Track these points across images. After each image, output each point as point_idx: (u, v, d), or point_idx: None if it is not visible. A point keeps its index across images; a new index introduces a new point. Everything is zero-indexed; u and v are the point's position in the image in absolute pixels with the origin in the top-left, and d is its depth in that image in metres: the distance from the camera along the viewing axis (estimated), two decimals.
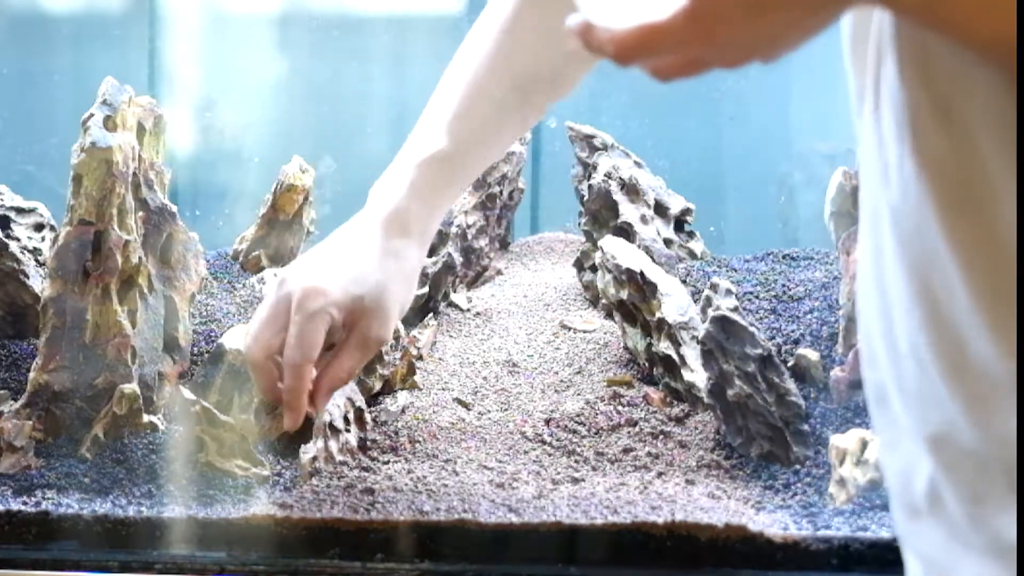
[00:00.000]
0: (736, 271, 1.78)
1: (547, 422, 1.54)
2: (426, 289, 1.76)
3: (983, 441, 0.88)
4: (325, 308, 1.32)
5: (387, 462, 1.47)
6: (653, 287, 1.61)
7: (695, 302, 1.61)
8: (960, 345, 0.88)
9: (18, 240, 1.74)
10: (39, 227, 1.79)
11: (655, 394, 1.58)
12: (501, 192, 1.91)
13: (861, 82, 0.97)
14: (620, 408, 1.56)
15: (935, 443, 0.90)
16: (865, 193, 0.99)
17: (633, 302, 1.63)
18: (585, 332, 1.73)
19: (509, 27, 1.40)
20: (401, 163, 1.41)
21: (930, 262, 0.88)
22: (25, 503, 1.36)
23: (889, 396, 0.95)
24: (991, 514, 0.88)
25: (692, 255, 1.85)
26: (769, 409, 1.45)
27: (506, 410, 1.57)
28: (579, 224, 1.87)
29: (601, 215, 1.82)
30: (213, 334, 1.64)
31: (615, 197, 1.81)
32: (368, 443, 1.50)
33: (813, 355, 1.54)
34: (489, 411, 1.57)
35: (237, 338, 1.50)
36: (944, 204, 0.88)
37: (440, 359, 1.69)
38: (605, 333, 1.72)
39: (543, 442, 1.51)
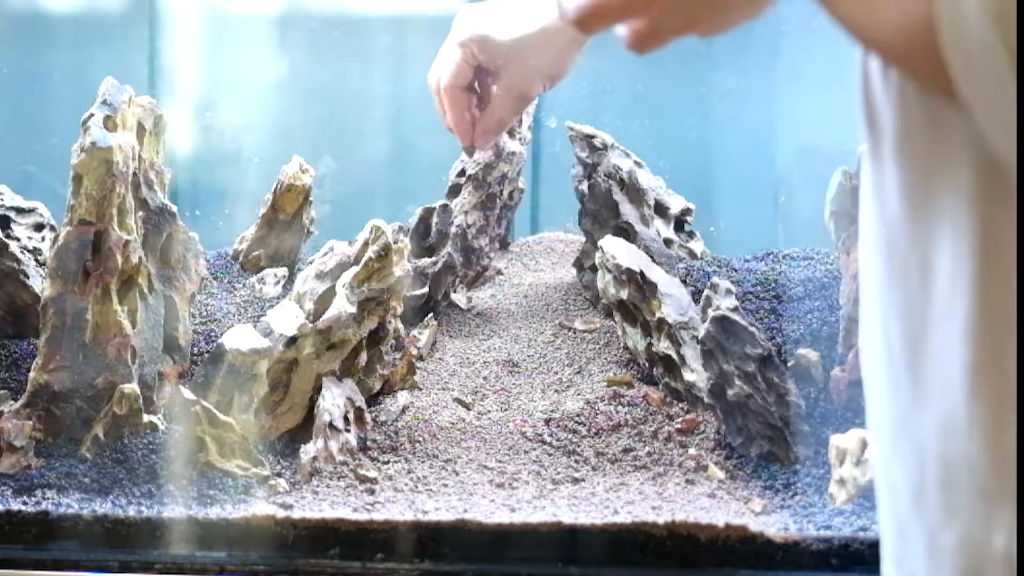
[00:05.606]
0: (736, 271, 1.78)
1: (547, 422, 1.54)
2: (426, 289, 1.76)
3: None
4: (468, 41, 1.49)
5: (387, 462, 1.47)
6: (653, 287, 1.61)
7: (695, 302, 1.61)
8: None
9: (18, 240, 1.74)
10: (39, 227, 1.79)
11: (655, 394, 1.58)
12: (501, 192, 1.91)
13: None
14: (620, 408, 1.56)
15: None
16: (863, 174, 0.99)
17: (633, 302, 1.63)
18: (585, 332, 1.73)
19: None
20: None
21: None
22: (25, 503, 1.36)
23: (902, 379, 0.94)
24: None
25: (692, 255, 1.85)
26: (769, 409, 1.45)
27: (506, 410, 1.57)
28: (579, 224, 1.87)
29: (601, 215, 1.82)
30: (213, 334, 1.64)
31: (615, 197, 1.81)
32: (368, 443, 1.50)
33: (813, 355, 1.54)
34: (489, 411, 1.57)
35: (237, 338, 1.50)
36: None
37: (440, 359, 1.69)
38: (605, 333, 1.72)
39: (543, 442, 1.51)
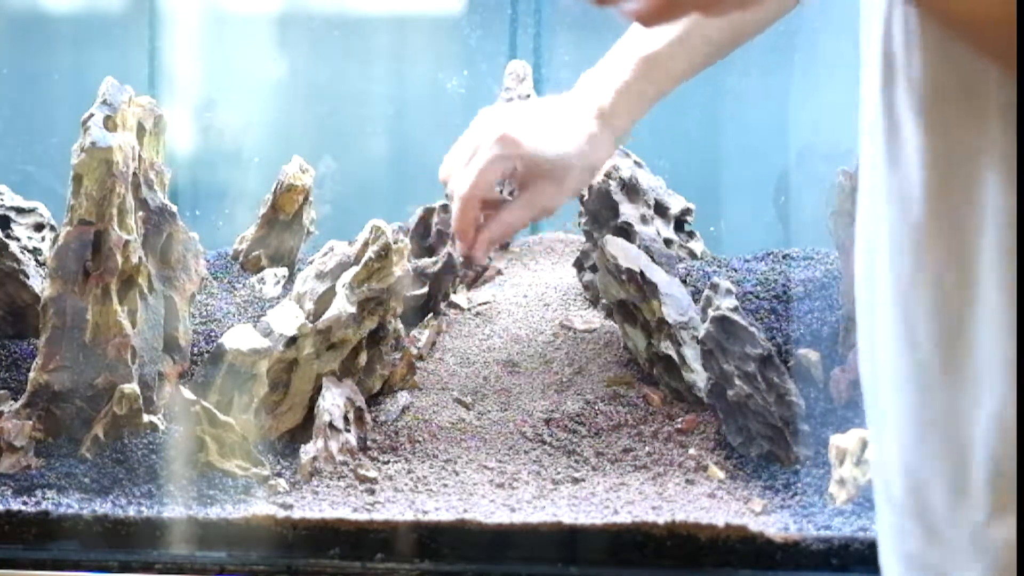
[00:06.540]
0: (736, 271, 1.78)
1: (547, 422, 1.54)
2: (426, 289, 1.76)
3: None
4: (509, 155, 1.42)
5: (387, 462, 1.47)
6: (653, 287, 1.61)
7: (695, 302, 1.61)
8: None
9: (18, 240, 1.74)
10: (39, 227, 1.79)
11: (655, 394, 1.58)
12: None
13: (867, 57, 0.98)
14: (620, 408, 1.56)
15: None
16: (866, 177, 0.98)
17: (633, 302, 1.63)
18: (585, 332, 1.73)
19: None
20: (618, 57, 1.49)
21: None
22: (25, 503, 1.36)
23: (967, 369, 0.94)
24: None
25: (692, 255, 1.85)
26: (769, 409, 1.45)
27: (506, 410, 1.57)
28: (579, 224, 1.87)
29: (601, 215, 1.82)
30: (213, 334, 1.64)
31: (615, 197, 1.81)
32: (368, 443, 1.50)
33: (813, 355, 1.54)
34: (489, 411, 1.57)
35: (237, 338, 1.50)
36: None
37: (440, 359, 1.69)
38: (605, 333, 1.72)
39: (543, 442, 1.51)
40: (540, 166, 1.44)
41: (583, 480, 1.44)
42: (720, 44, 1.51)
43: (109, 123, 1.48)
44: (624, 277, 1.63)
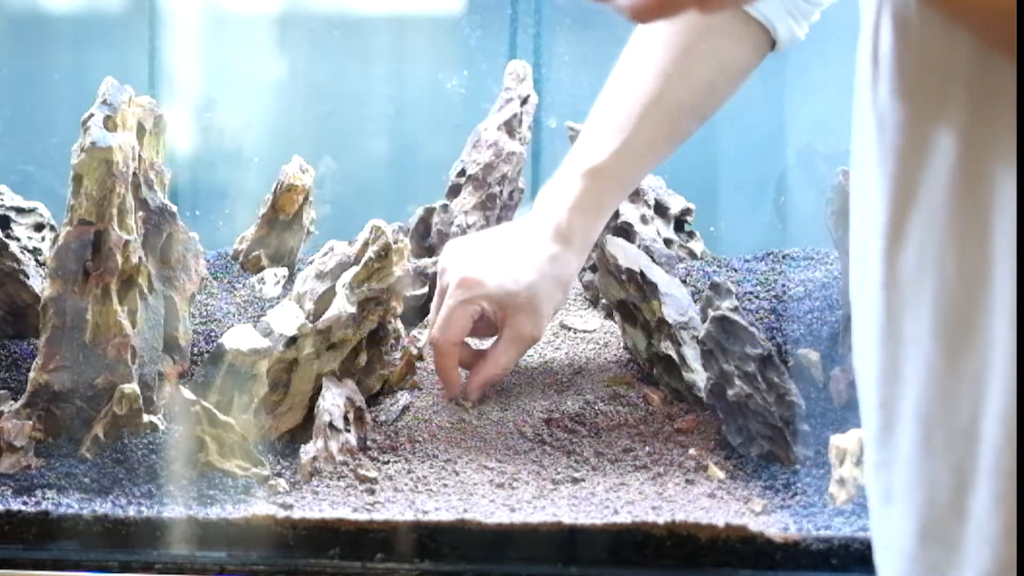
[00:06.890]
0: (736, 271, 1.78)
1: (547, 422, 1.54)
2: (426, 289, 1.76)
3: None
4: (476, 298, 1.45)
5: (387, 462, 1.47)
6: (653, 287, 1.61)
7: (695, 302, 1.61)
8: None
9: (18, 240, 1.74)
10: (39, 227, 1.79)
11: (655, 394, 1.58)
12: (501, 192, 1.91)
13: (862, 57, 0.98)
14: (620, 408, 1.56)
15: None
16: (857, 176, 0.98)
17: (633, 302, 1.63)
18: (585, 332, 1.73)
19: (682, 54, 1.45)
20: (567, 172, 1.49)
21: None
22: (25, 503, 1.36)
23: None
24: None
25: (692, 255, 1.85)
26: (769, 409, 1.45)
27: (506, 410, 1.57)
28: None
29: None
30: (213, 334, 1.64)
31: None
32: (368, 443, 1.50)
33: (813, 355, 1.54)
34: (489, 411, 1.57)
35: (237, 338, 1.50)
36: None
37: None
38: (605, 333, 1.72)
39: (543, 442, 1.51)
40: (510, 301, 1.48)
41: (583, 480, 1.44)
42: (693, 109, 1.51)
43: (109, 123, 1.47)
44: (624, 277, 1.63)
